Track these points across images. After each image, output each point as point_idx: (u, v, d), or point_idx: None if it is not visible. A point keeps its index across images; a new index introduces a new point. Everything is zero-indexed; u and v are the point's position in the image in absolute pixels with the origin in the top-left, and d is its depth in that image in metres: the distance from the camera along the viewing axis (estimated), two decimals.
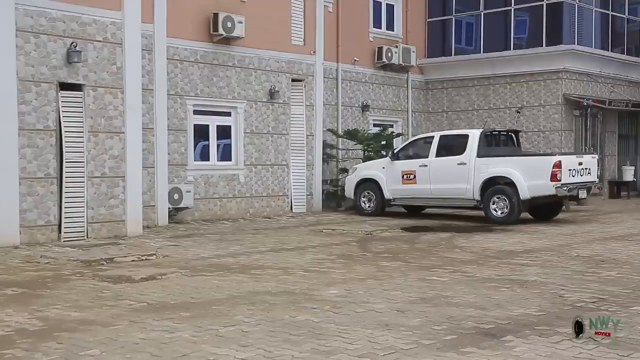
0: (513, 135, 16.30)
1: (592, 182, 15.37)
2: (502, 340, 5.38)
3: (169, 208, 14.27)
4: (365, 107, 20.56)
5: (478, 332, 5.64)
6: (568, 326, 5.79)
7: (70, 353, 5.06)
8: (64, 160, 11.54)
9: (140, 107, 12.89)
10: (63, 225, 11.49)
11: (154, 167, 14.06)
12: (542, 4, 20.72)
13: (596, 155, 16.63)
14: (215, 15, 15.12)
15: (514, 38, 21.63)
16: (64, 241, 11.29)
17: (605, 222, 14.77)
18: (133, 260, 9.56)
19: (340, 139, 19.16)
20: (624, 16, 23.17)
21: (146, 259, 9.71)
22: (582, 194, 14.86)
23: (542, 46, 20.78)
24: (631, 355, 4.98)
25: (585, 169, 14.99)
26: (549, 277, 8.20)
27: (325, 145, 18.48)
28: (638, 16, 23.67)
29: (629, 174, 23.05)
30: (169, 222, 14.18)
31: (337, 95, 19.76)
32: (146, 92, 13.63)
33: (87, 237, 11.71)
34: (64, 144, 11.55)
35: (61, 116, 11.51)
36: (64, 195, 11.50)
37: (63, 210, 11.49)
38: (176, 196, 14.33)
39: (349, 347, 5.15)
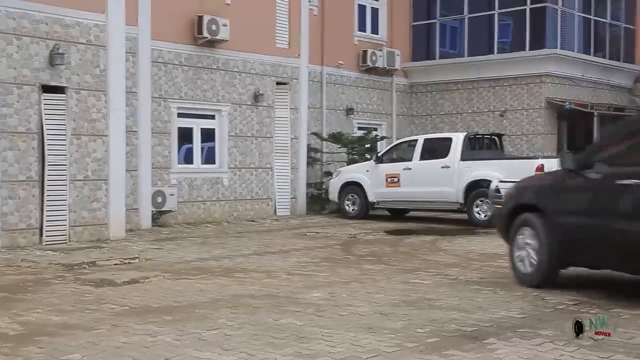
0: (496, 139, 16.41)
1: None
2: (485, 342, 5.40)
3: (152, 211, 14.21)
4: (349, 111, 20.59)
5: (461, 334, 5.66)
6: (550, 328, 5.84)
7: (51, 357, 5.02)
8: (46, 163, 11.46)
9: (124, 110, 12.83)
10: (45, 228, 11.40)
11: (137, 170, 14.00)
12: (526, 9, 20.86)
13: None
14: (200, 18, 15.09)
15: (497, 42, 21.74)
16: (46, 245, 11.20)
17: None
18: (115, 264, 9.50)
19: (324, 142, 19.17)
20: (606, 21, 23.38)
21: (129, 262, 9.66)
22: None
23: (526, 50, 20.91)
24: (612, 357, 5.01)
25: None
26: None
27: (310, 148, 18.49)
28: (620, 21, 23.90)
29: None
30: (152, 226, 14.11)
31: (322, 98, 19.77)
32: (130, 94, 13.58)
33: (69, 240, 11.63)
34: (46, 147, 11.47)
35: (43, 119, 11.43)
36: (45, 198, 11.42)
37: (45, 213, 11.41)
38: (159, 199, 14.27)
39: (332, 350, 5.15)
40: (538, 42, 20.80)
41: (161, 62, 14.81)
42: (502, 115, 21.07)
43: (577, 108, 21.36)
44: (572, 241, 7.31)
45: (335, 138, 18.75)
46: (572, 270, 7.95)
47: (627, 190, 6.64)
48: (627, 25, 23.90)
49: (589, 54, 22.35)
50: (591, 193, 7.22)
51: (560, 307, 6.73)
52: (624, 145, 7.43)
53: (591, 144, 15.04)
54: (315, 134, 18.87)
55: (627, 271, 7.31)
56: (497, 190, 12.77)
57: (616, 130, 9.54)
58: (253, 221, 15.87)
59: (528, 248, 7.73)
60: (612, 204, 6.83)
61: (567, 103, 20.78)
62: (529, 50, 20.82)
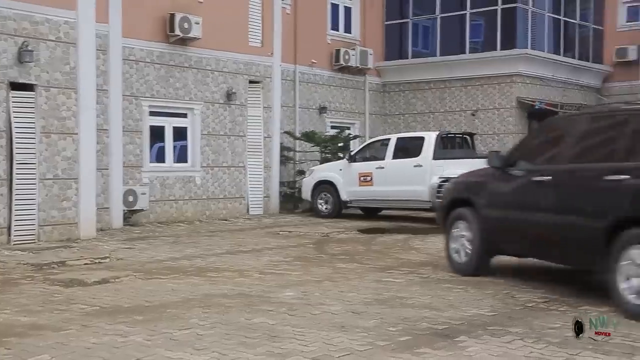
0: (468, 138, 16.53)
1: None
2: (456, 340, 5.45)
3: (123, 210, 14.08)
4: (322, 109, 20.60)
5: (432, 332, 5.70)
6: (520, 326, 5.90)
7: (19, 359, 4.95)
8: (15, 162, 11.28)
9: (95, 108, 12.69)
10: (13, 228, 11.23)
11: (108, 169, 13.87)
12: (497, 9, 21.05)
13: None
14: (172, 15, 14.98)
15: (469, 42, 21.91)
16: (14, 244, 11.03)
17: None
18: (86, 264, 9.40)
19: (297, 141, 19.16)
20: (576, 22, 23.68)
21: (99, 262, 9.57)
22: None
23: (497, 50, 21.10)
24: (580, 354, 5.08)
25: None
26: (502, 277, 8.32)
27: (283, 147, 18.46)
28: (589, 22, 24.22)
29: None
30: (123, 225, 13.99)
31: (295, 97, 19.76)
32: (101, 92, 13.44)
33: (38, 240, 11.47)
34: (14, 145, 11.29)
35: (12, 117, 11.25)
36: (14, 197, 11.25)
37: (13, 213, 11.23)
38: (131, 198, 14.15)
39: (304, 349, 5.15)
40: (509, 42, 21.00)
41: (133, 60, 14.67)
42: (473, 115, 21.24)
43: (548, 108, 21.60)
44: (499, 232, 8.02)
45: (308, 137, 18.75)
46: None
47: (540, 185, 7.36)
48: (595, 26, 24.23)
49: (559, 54, 22.63)
50: (513, 188, 7.90)
51: (530, 305, 6.81)
52: (541, 144, 8.26)
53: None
54: (288, 132, 18.85)
55: (546, 259, 8.00)
56: (439, 186, 13.50)
57: (535, 130, 10.07)
58: (226, 220, 15.80)
59: (463, 239, 8.38)
60: (529, 198, 7.56)
61: (537, 103, 21.01)
62: (500, 50, 21.01)
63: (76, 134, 12.09)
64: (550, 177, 7.27)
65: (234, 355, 5.01)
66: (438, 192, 13.08)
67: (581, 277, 8.21)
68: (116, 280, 8.14)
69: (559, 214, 7.12)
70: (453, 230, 8.54)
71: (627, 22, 24.35)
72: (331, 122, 20.98)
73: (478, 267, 8.26)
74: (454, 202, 8.73)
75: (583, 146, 7.34)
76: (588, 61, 23.91)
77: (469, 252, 8.31)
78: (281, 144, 18.29)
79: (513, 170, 7.93)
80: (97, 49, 12.99)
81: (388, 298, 7.09)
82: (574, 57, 23.39)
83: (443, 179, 13.74)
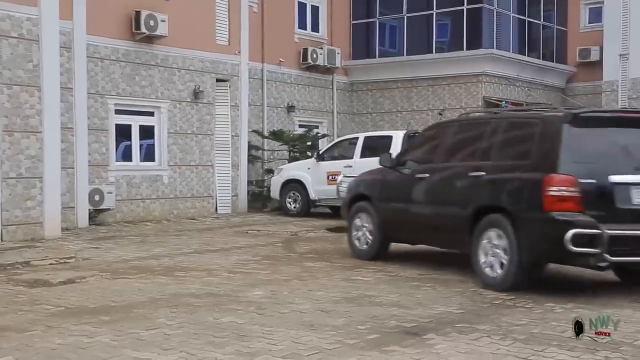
0: None
1: None
2: (424, 338, 5.49)
3: (89, 210, 13.91)
4: (290, 108, 20.59)
5: (401, 330, 5.73)
6: (487, 323, 5.97)
7: None
8: None
9: (59, 106, 12.50)
10: None
11: (73, 168, 13.67)
12: (463, 9, 21.24)
13: None
14: (138, 13, 14.83)
15: (435, 41, 22.07)
16: None
17: None
18: (51, 264, 9.26)
19: (265, 139, 19.11)
20: (540, 22, 24.02)
21: (65, 262, 9.43)
22: None
23: (463, 50, 21.29)
24: (545, 350, 5.16)
25: None
26: (469, 275, 8.40)
27: (251, 146, 18.41)
28: (552, 22, 24.58)
29: None
30: (89, 224, 13.82)
31: (263, 95, 19.71)
32: (65, 90, 13.25)
33: (2, 240, 11.27)
34: None
35: None
36: None
37: None
38: (97, 197, 13.98)
39: (273, 348, 5.14)
40: (475, 42, 21.21)
41: (97, 58, 14.49)
42: (441, 114, 21.38)
43: (513, 107, 21.87)
44: (392, 223, 9.33)
45: (277, 136, 18.71)
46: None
47: (422, 182, 8.79)
48: (559, 27, 24.60)
49: (524, 55, 22.92)
50: (402, 185, 9.16)
51: (497, 302, 6.89)
52: (424, 147, 9.61)
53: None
54: (256, 131, 18.79)
55: (431, 245, 9.36)
56: (342, 183, 14.12)
57: (420, 135, 11.62)
58: (194, 219, 15.70)
59: (364, 229, 9.63)
60: (414, 194, 8.90)
61: (503, 102, 21.26)
62: (467, 50, 21.20)
63: (40, 132, 11.90)
64: (428, 175, 8.68)
65: (202, 355, 4.98)
66: (341, 189, 13.79)
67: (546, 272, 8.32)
68: (82, 280, 8.04)
69: (436, 205, 8.54)
70: (355, 221, 9.72)
71: (590, 23, 24.78)
72: (299, 121, 20.97)
73: (377, 253, 9.46)
74: (355, 197, 9.90)
75: (454, 148, 8.74)
76: (552, 61, 24.27)
77: (370, 240, 9.51)
78: (249, 142, 18.24)
79: (402, 169, 9.16)
80: (61, 47, 12.80)
81: (357, 296, 7.11)
82: (538, 58, 23.71)
83: (344, 177, 14.26)
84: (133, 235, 12.62)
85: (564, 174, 6.91)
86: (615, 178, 6.98)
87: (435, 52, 21.85)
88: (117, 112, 14.97)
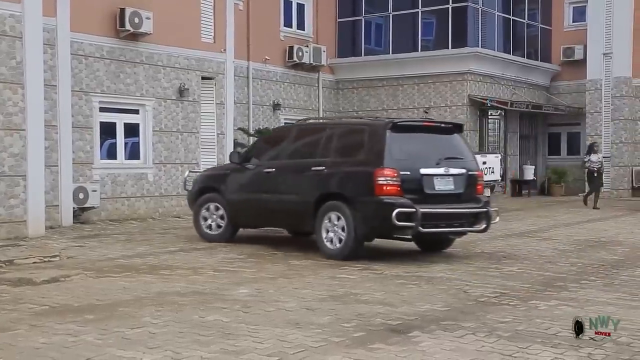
0: None
1: (495, 180, 15.96)
2: (409, 335, 5.50)
3: (73, 208, 13.81)
4: (276, 106, 20.58)
5: (386, 328, 5.74)
6: (472, 320, 6.00)
7: None
8: None
9: (43, 104, 12.39)
10: None
11: (57, 166, 13.57)
12: (448, 7, 21.32)
13: (499, 155, 17.25)
14: (122, 10, 14.73)
15: (421, 40, 22.15)
16: None
17: (507, 220, 15.33)
18: (34, 262, 9.19)
19: (251, 137, 19.07)
20: (524, 21, 24.15)
21: (49, 260, 9.35)
22: (486, 192, 15.38)
23: (448, 48, 21.38)
24: (530, 347, 5.19)
25: (489, 167, 15.54)
26: (454, 273, 8.45)
27: (236, 144, 18.33)
28: (537, 21, 24.72)
29: (529, 173, 24.09)
30: (74, 223, 13.72)
31: (248, 93, 19.68)
32: (49, 88, 13.15)
33: None
34: None
35: None
36: None
37: None
38: (81, 195, 13.89)
39: (258, 347, 5.13)
40: (460, 40, 21.30)
41: (82, 55, 14.39)
42: (426, 112, 21.47)
43: (498, 105, 21.99)
44: (238, 210, 10.87)
45: (262, 134, 18.64)
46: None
47: (269, 175, 10.44)
48: (543, 26, 24.76)
49: (509, 53, 23.05)
50: (248, 179, 10.82)
51: (482, 300, 6.92)
52: (267, 147, 11.41)
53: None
54: (241, 129, 18.76)
55: (277, 227, 11.43)
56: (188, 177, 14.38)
57: (264, 137, 13.96)
58: (179, 217, 15.63)
59: (214, 216, 11.10)
60: (260, 185, 10.58)
61: (488, 100, 21.37)
62: (452, 48, 21.29)
63: (24, 130, 11.80)
64: (274, 170, 10.36)
65: (188, 353, 4.97)
66: (186, 182, 14.23)
67: (531, 273, 8.36)
68: (66, 279, 7.98)
69: (282, 194, 10.19)
70: (202, 210, 11.15)
71: (574, 22, 24.96)
72: (285, 118, 20.95)
73: (228, 237, 10.98)
74: (202, 189, 11.33)
75: (295, 148, 10.60)
76: (537, 60, 24.43)
77: (222, 225, 10.99)
78: (235, 140, 18.18)
79: (248, 165, 10.77)
80: (45, 44, 12.69)
81: (342, 294, 7.12)
82: (523, 56, 23.87)
83: (190, 172, 14.61)
84: (118, 234, 12.55)
85: (388, 168, 9.03)
86: (423, 170, 9.21)
87: (421, 51, 21.93)
88: (102, 109, 14.87)
